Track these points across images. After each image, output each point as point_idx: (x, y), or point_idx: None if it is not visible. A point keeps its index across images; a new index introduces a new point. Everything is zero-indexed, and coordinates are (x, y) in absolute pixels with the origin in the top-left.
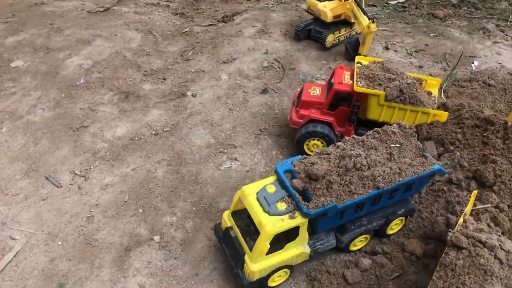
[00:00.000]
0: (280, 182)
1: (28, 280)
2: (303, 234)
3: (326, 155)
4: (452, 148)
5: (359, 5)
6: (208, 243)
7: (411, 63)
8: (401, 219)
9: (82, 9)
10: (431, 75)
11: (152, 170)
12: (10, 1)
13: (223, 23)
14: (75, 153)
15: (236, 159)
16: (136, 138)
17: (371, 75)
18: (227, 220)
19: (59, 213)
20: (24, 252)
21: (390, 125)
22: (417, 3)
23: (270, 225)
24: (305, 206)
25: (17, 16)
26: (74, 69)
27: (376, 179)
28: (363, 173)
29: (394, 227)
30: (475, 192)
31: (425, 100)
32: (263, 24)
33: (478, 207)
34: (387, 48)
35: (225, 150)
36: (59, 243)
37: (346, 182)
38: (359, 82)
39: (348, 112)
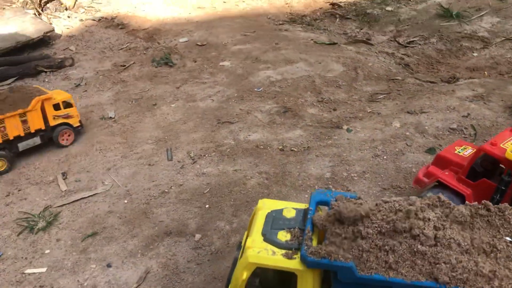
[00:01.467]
0: (306, 211)
1: (80, 218)
2: None
3: (386, 203)
4: None
5: None
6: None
7: None
8: None
9: (312, 39)
10: None
11: (248, 176)
12: (263, 24)
13: (446, 83)
14: (204, 140)
15: None
16: (262, 147)
17: None
18: (244, 237)
19: (149, 180)
20: (99, 197)
21: None
22: None
23: (253, 250)
24: (306, 248)
25: (256, 33)
26: (262, 79)
27: (438, 265)
28: (419, 246)
29: None
30: None
31: None
32: (488, 91)
33: None
34: None
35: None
36: (126, 201)
37: (386, 248)
38: None
39: (493, 188)
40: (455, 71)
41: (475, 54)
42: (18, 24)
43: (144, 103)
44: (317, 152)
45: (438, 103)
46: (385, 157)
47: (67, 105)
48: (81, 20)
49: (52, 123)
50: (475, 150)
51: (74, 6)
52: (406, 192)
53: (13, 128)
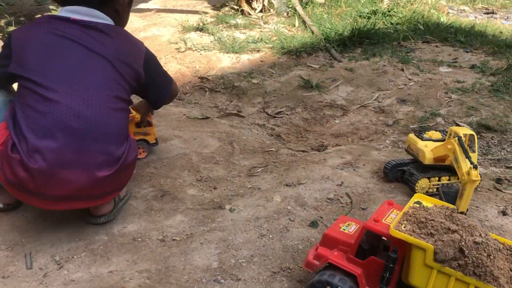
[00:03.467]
0: None
1: None
2: None
3: None
4: None
5: (462, 146)
6: None
7: None
8: None
9: (184, 114)
10: None
11: (127, 278)
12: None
13: (316, 151)
14: (70, 239)
15: None
16: (139, 239)
17: (423, 219)
18: None
19: None
20: None
21: None
22: None
23: None
24: None
25: None
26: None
27: None
28: None
29: None
30: None
31: (505, 277)
32: (355, 157)
33: None
34: (504, 213)
35: (222, 280)
36: None
37: None
38: (401, 225)
39: (382, 265)
40: (322, 138)
41: (336, 121)
42: None
43: None
44: (201, 239)
45: (313, 173)
46: (271, 236)
47: (147, 124)
48: None
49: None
50: (359, 226)
51: None
52: (296, 274)
53: None
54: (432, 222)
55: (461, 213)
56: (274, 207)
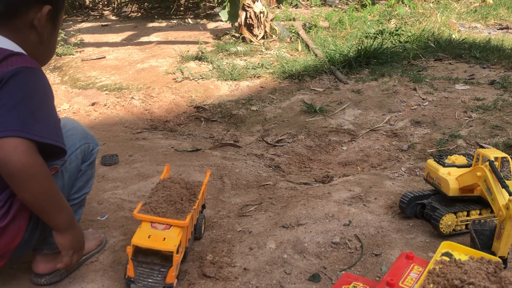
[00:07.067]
0: None
1: None
2: None
3: None
4: None
5: (496, 173)
6: None
7: None
8: None
9: (172, 147)
10: None
11: None
12: (118, 133)
13: (321, 183)
14: None
15: None
16: None
17: (458, 282)
18: None
19: None
20: None
21: None
22: None
23: None
24: None
25: (107, 145)
26: (108, 203)
27: None
28: None
29: None
30: None
31: None
32: (365, 190)
33: None
34: None
35: None
36: None
37: None
38: None
39: None
40: (328, 167)
41: (344, 148)
42: None
43: None
44: None
45: (315, 211)
46: None
47: None
48: None
49: None
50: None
51: None
52: None
53: None
54: (471, 287)
55: (501, 257)
56: (267, 256)
